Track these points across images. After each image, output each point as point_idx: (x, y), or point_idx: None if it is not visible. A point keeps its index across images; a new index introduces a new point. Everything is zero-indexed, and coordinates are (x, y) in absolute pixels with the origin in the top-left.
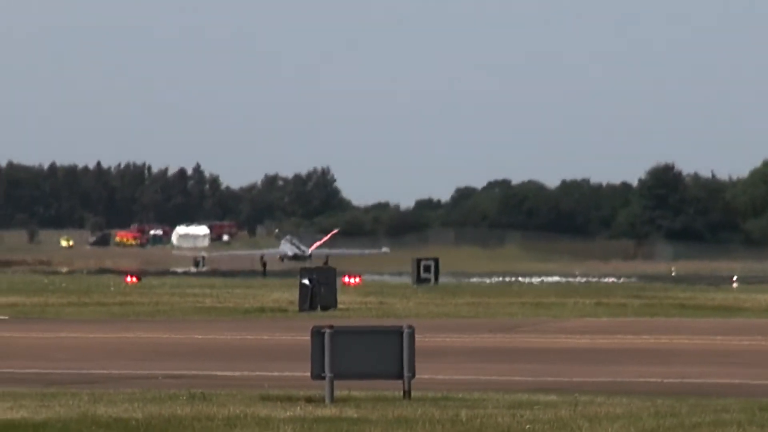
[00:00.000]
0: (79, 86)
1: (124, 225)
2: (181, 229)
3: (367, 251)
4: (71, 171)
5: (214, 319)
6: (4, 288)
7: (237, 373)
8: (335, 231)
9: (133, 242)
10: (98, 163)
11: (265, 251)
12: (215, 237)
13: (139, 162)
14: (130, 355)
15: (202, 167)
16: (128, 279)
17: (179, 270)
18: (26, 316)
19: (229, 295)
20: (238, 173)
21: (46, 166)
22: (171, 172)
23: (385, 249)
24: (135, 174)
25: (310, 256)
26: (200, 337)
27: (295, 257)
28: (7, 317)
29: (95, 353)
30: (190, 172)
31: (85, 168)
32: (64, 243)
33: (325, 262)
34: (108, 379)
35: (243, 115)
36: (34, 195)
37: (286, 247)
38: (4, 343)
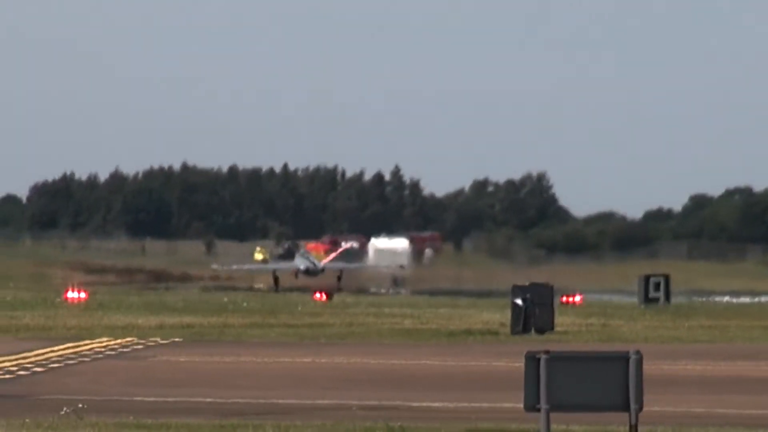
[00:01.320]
0: (261, 81)
1: (312, 236)
2: (378, 242)
3: (384, 265)
4: (254, 175)
5: (415, 343)
6: (179, 307)
7: (440, 404)
8: (348, 245)
9: (324, 255)
10: (284, 166)
11: (277, 266)
12: (416, 251)
13: (330, 165)
14: (320, 383)
15: (402, 171)
16: (317, 297)
17: (375, 290)
18: (203, 338)
19: (432, 316)
20: (441, 178)
21: (225, 169)
22: (366, 176)
23: (402, 263)
24: (326, 178)
25: (323, 270)
26: (399, 362)
27: (308, 272)
28: (181, 339)
29: (280, 380)
30: (387, 176)
31: (270, 171)
32: (258, 256)
33: (339, 278)
34: (295, 410)
35: (448, 113)
36: (212, 202)
37: (299, 261)
38: (179, 368)
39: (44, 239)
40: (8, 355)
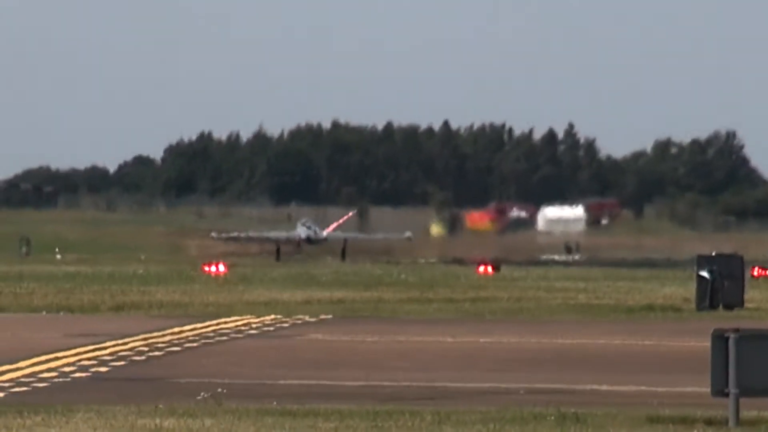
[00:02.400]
0: (418, 28)
1: (476, 202)
2: (549, 211)
3: (394, 236)
4: (411, 133)
5: (590, 320)
6: (327, 280)
7: (617, 388)
8: (351, 213)
9: (490, 226)
10: (445, 123)
11: (279, 234)
12: (592, 220)
13: (496, 122)
14: (484, 365)
15: (576, 129)
16: (481, 269)
17: (546, 258)
18: (356, 314)
19: (609, 290)
20: (620, 137)
21: (380, 126)
22: (536, 135)
23: (408, 234)
24: (491, 137)
25: (326, 239)
26: (571, 341)
27: (309, 240)
28: (330, 316)
29: (441, 361)
30: (560, 135)
31: (429, 129)
32: (435, 230)
33: (343, 248)
34: (457, 394)
35: (626, 65)
36: (365, 163)
37: (300, 230)
38: (329, 348)
39: (180, 206)
40: (139, 334)
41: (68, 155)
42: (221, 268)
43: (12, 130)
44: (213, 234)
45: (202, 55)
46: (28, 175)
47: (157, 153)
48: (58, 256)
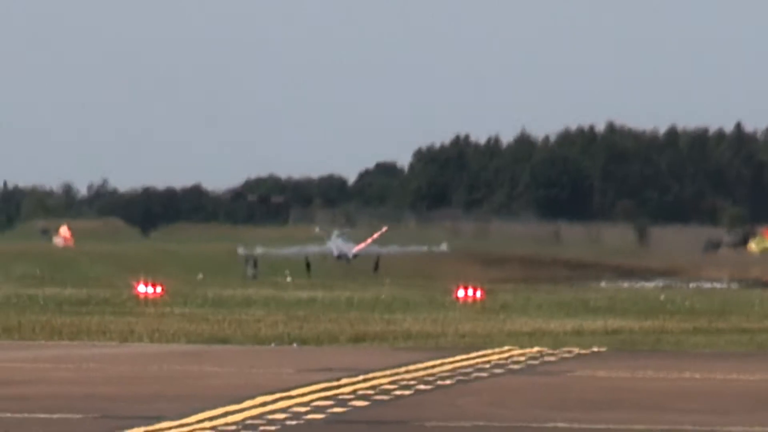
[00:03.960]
0: (710, 22)
1: None
2: None
3: (424, 248)
4: (698, 138)
5: None
6: (602, 307)
7: None
8: (384, 229)
9: None
10: (737, 126)
11: (310, 250)
12: None
13: None
14: None
15: None
16: None
17: None
18: (633, 347)
19: None
20: None
21: (662, 130)
22: None
23: (443, 246)
24: None
25: (355, 256)
26: None
27: (339, 258)
28: (605, 348)
29: (733, 403)
30: None
31: (719, 133)
32: (758, 246)
33: (375, 265)
34: None
35: None
36: (645, 173)
37: (333, 246)
38: (604, 386)
39: (432, 220)
40: (384, 369)
41: (300, 162)
42: (478, 293)
43: (237, 134)
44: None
45: (458, 44)
46: (254, 184)
47: (404, 160)
48: (289, 279)
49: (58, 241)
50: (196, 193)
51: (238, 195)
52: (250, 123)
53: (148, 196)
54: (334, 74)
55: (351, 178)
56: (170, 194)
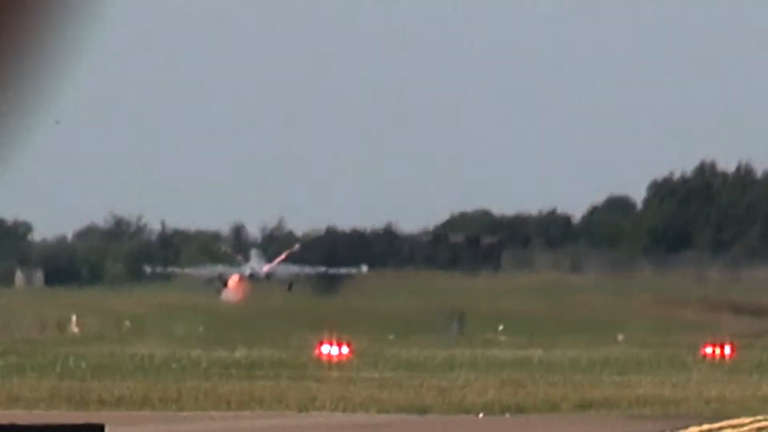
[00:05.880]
0: None
1: None
2: None
3: (343, 270)
4: None
5: None
6: None
7: None
8: (294, 249)
9: None
10: None
11: (225, 270)
12: None
13: None
14: None
15: None
16: None
17: None
18: None
19: None
20: None
21: None
22: None
23: (364, 268)
24: None
25: (268, 276)
26: None
27: (251, 277)
28: None
29: None
30: None
31: None
32: None
33: (290, 285)
34: None
35: None
36: None
37: (246, 266)
38: None
39: (671, 266)
40: None
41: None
42: (727, 349)
43: (441, 161)
44: (171, 268)
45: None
46: (459, 222)
47: (638, 193)
48: (502, 337)
49: (226, 293)
50: (387, 235)
51: (439, 236)
52: (452, 150)
53: (331, 238)
54: (548, 96)
55: (577, 214)
56: (358, 236)
